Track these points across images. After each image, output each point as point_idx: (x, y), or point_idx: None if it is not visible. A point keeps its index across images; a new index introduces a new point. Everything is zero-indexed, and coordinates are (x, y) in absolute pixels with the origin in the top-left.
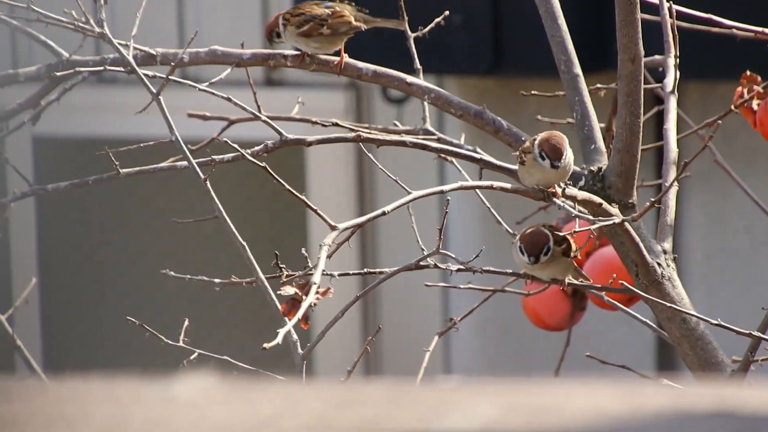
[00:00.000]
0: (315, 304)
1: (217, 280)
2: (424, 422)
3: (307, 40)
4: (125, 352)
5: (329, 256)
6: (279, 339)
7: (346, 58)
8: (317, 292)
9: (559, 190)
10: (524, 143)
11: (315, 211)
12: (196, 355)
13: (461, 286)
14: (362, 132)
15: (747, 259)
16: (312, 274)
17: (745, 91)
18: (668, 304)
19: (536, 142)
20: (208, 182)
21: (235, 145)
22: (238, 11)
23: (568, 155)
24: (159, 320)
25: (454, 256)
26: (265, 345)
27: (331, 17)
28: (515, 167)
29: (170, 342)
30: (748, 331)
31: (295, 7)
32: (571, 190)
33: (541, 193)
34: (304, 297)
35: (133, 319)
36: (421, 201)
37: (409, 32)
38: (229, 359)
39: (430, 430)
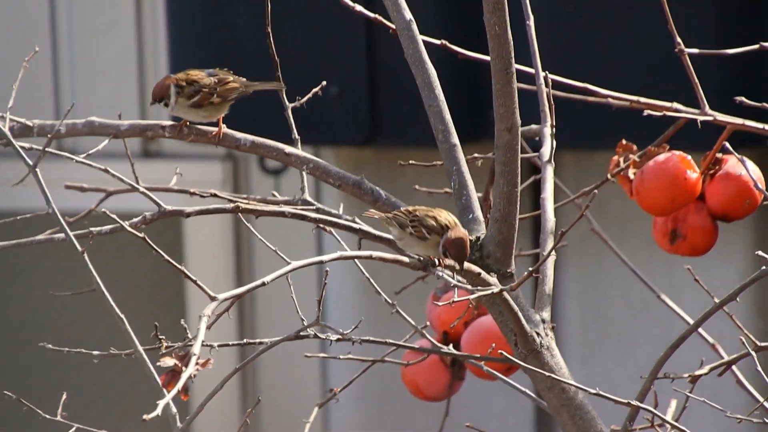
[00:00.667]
0: (195, 375)
1: (95, 353)
2: None
3: (197, 110)
4: (3, 425)
5: (209, 327)
6: (158, 411)
7: (224, 128)
8: (197, 363)
9: (437, 260)
10: (411, 210)
11: (194, 281)
12: (74, 429)
13: (341, 357)
14: (241, 203)
15: (624, 327)
16: (191, 345)
17: (621, 159)
18: (547, 374)
19: (442, 241)
20: (85, 254)
21: (114, 216)
22: (115, 82)
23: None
24: (38, 393)
25: (333, 327)
26: (145, 417)
27: (219, 85)
28: (392, 237)
29: (48, 416)
30: (626, 401)
31: (186, 75)
32: (450, 260)
33: (420, 263)
34: (183, 368)
35: (10, 393)
36: (300, 272)
37: (287, 102)
38: None
39: None
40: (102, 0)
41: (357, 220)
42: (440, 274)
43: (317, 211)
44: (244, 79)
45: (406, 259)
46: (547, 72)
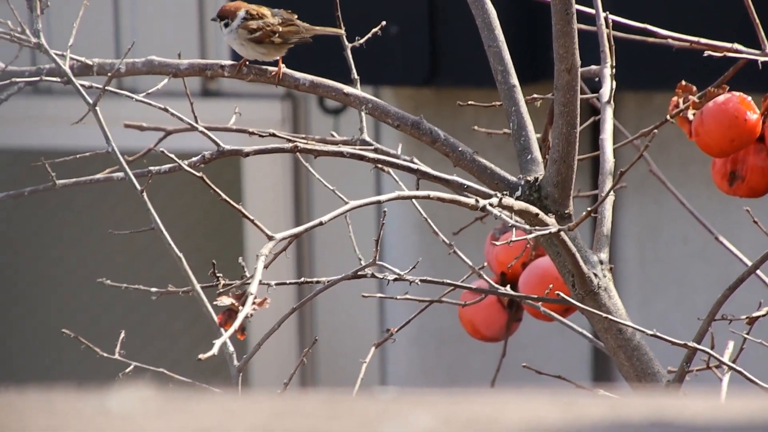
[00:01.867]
0: (251, 315)
1: (153, 289)
2: None
3: (256, 46)
4: (61, 364)
5: (266, 266)
6: (215, 350)
7: (283, 68)
8: (254, 303)
9: (495, 200)
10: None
11: (252, 220)
12: (132, 367)
13: (398, 297)
14: (299, 142)
15: (682, 269)
16: (249, 284)
17: (681, 101)
18: (604, 315)
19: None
20: (144, 193)
21: (173, 155)
22: (175, 21)
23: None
24: (95, 332)
25: (390, 266)
26: (201, 356)
27: (283, 25)
28: (452, 177)
29: (106, 354)
30: (683, 342)
31: (258, 7)
32: (508, 200)
33: (478, 204)
34: (240, 307)
35: (68, 332)
36: (358, 212)
37: (346, 42)
38: (165, 371)
39: None
40: None
41: (415, 160)
42: (498, 214)
43: (376, 151)
44: (306, 24)
45: (464, 200)
46: (607, 12)
